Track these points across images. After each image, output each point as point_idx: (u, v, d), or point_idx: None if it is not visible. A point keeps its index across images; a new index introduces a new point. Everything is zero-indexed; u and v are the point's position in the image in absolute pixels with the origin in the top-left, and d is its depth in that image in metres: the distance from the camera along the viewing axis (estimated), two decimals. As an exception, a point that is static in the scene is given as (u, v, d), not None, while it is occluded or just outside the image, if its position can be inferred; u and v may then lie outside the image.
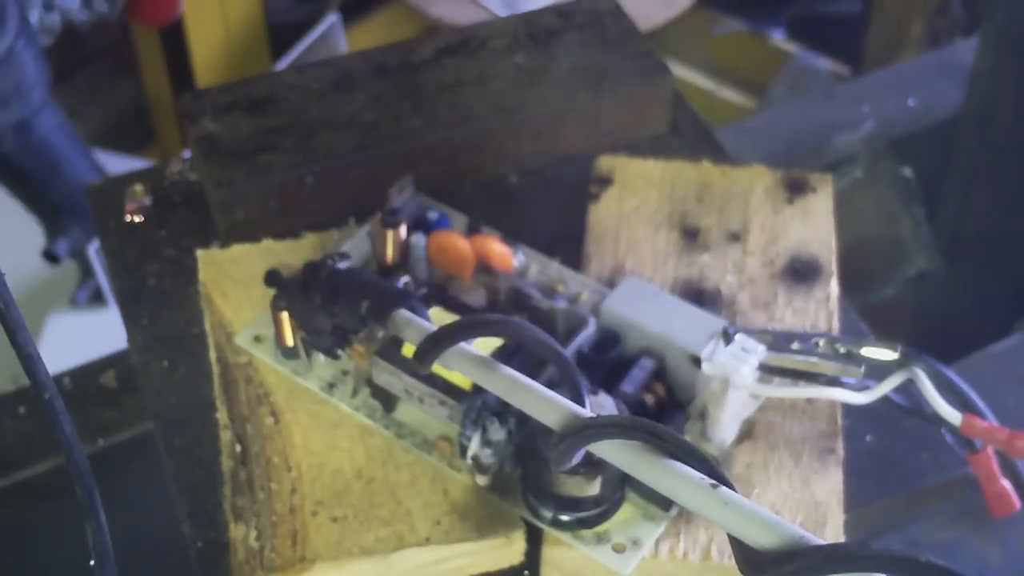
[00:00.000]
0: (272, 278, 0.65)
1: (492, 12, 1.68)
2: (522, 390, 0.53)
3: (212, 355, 0.68)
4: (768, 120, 1.29)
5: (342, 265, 0.63)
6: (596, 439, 0.49)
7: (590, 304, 0.67)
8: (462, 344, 0.56)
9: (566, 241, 0.73)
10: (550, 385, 0.54)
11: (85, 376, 0.97)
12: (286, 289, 0.64)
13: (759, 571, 0.43)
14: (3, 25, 1.23)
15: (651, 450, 0.47)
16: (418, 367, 0.57)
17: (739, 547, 0.44)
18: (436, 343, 0.56)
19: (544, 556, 0.61)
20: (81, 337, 1.45)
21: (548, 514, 0.60)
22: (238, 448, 0.64)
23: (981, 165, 1.17)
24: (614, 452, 0.48)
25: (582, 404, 0.53)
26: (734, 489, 0.45)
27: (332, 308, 0.62)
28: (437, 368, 0.58)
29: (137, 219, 0.77)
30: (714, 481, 0.45)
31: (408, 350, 0.62)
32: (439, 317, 0.63)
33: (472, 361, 0.56)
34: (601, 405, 0.59)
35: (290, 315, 0.64)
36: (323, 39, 1.71)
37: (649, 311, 0.65)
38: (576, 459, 0.51)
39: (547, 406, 0.52)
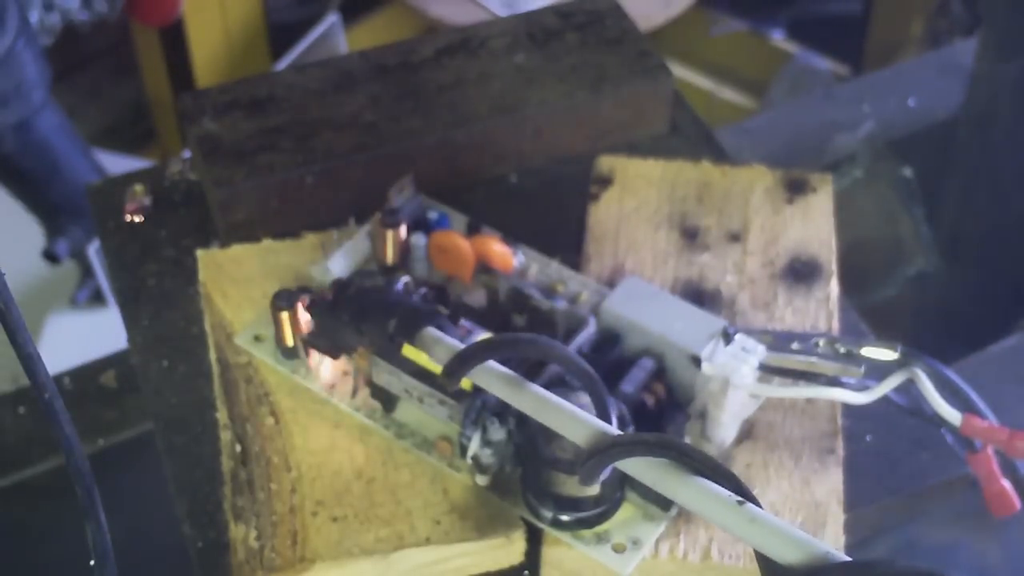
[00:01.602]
0: (313, 301, 0.65)
1: (492, 12, 1.68)
2: (550, 408, 0.54)
3: (212, 355, 0.68)
4: (768, 120, 1.29)
5: (368, 283, 0.64)
6: (624, 457, 0.49)
7: (590, 304, 0.67)
8: (489, 361, 0.56)
9: (566, 241, 0.73)
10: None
11: (85, 376, 0.97)
12: (316, 308, 0.64)
13: None
14: (3, 25, 1.23)
15: (678, 468, 0.47)
16: (446, 384, 0.57)
17: (765, 563, 0.44)
18: (465, 361, 0.57)
19: (544, 556, 0.61)
20: (81, 337, 1.45)
21: (548, 514, 0.60)
22: (238, 448, 0.64)
23: (981, 165, 1.17)
24: (641, 469, 0.48)
25: (608, 421, 0.53)
26: (760, 506, 0.45)
27: (360, 326, 0.62)
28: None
29: (137, 219, 0.77)
30: (740, 498, 0.46)
31: (408, 350, 0.62)
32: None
33: (500, 378, 0.56)
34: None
35: (319, 333, 0.65)
36: (323, 39, 1.71)
37: (649, 311, 0.65)
38: (603, 476, 0.51)
39: (575, 424, 0.52)
